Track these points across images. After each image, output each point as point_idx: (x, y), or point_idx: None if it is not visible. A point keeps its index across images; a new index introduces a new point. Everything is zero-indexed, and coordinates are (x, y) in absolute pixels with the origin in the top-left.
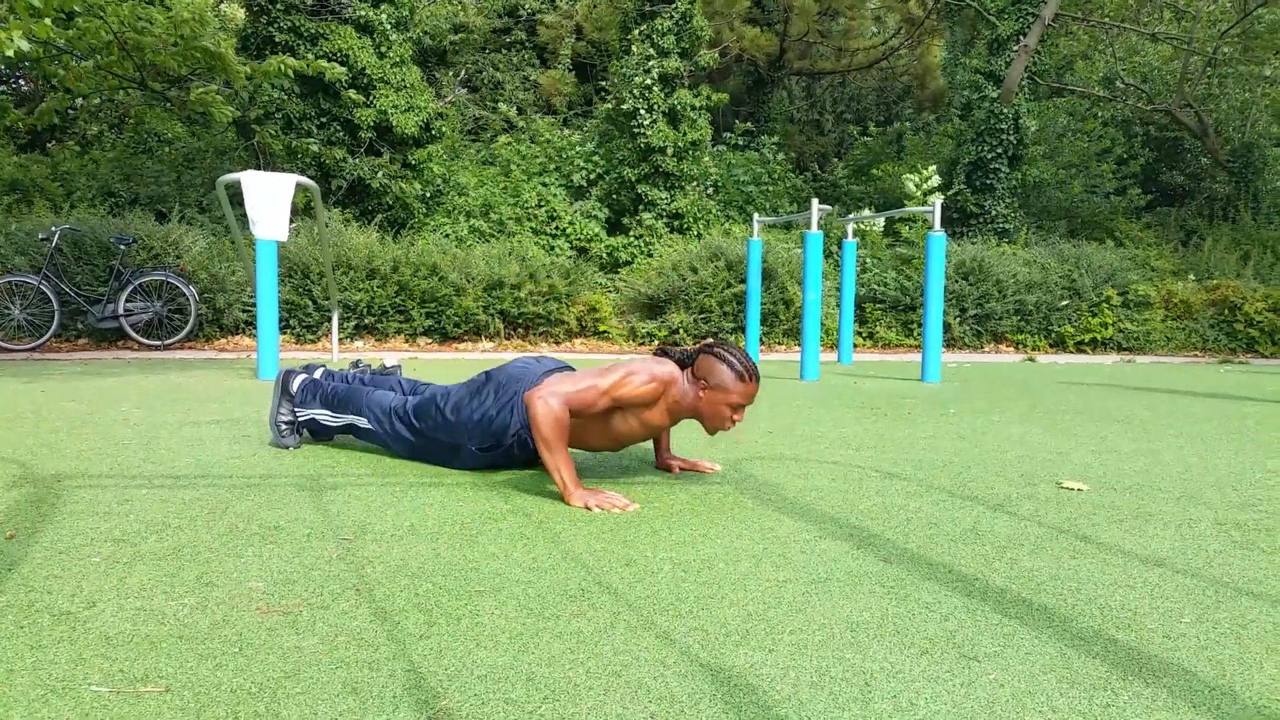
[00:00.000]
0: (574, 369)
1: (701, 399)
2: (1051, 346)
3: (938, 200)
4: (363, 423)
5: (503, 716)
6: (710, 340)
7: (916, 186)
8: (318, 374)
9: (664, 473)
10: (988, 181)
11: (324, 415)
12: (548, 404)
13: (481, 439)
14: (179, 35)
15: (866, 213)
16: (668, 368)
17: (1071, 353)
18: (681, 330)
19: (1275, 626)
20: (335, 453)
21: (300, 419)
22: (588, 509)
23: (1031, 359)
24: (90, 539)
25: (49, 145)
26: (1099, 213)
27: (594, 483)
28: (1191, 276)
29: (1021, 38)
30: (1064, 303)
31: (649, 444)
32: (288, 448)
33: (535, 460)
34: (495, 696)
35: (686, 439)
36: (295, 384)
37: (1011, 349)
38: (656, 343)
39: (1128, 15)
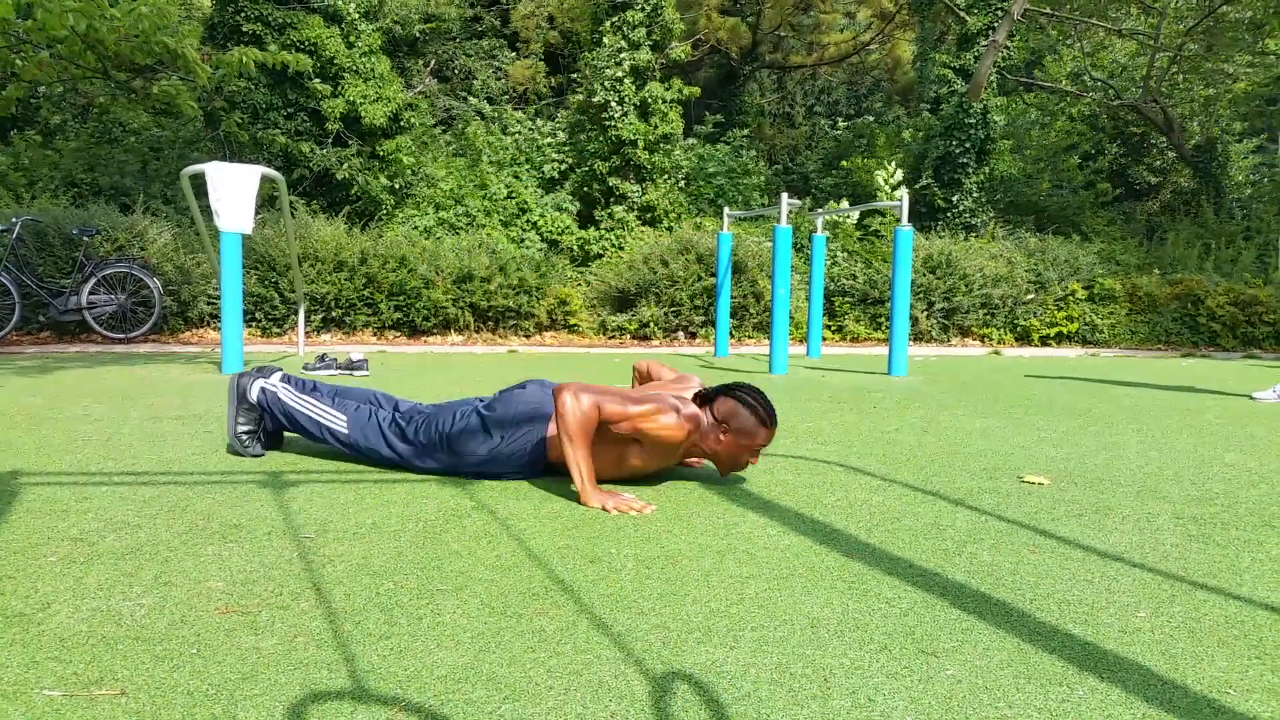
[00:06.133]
0: None
1: (722, 442)
2: (1017, 340)
3: (905, 195)
4: (336, 420)
5: (463, 717)
6: (730, 383)
7: (885, 180)
8: (275, 378)
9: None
10: (955, 176)
11: (297, 404)
12: (578, 399)
13: (488, 466)
14: (139, 28)
15: (835, 207)
16: (694, 409)
17: (1036, 346)
18: (652, 324)
19: (1227, 620)
20: (297, 450)
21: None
22: (605, 510)
23: (997, 353)
24: (47, 538)
25: (10, 134)
26: (1066, 207)
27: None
28: (1155, 271)
29: (990, 33)
30: (1030, 297)
31: None
32: (255, 457)
33: (537, 475)
34: (456, 697)
35: None
36: (254, 393)
37: (978, 343)
38: (676, 341)
39: (1095, 10)
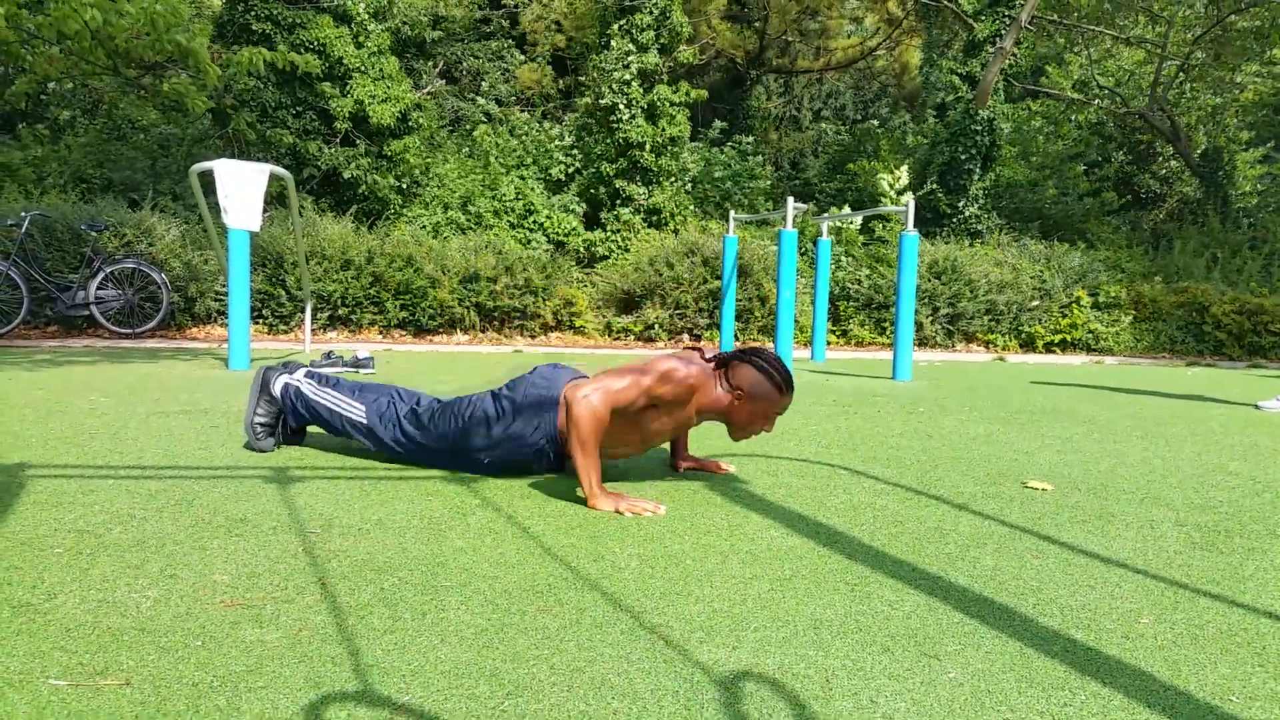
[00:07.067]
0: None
1: (736, 406)
2: (1021, 346)
3: (910, 200)
4: (355, 410)
5: (465, 713)
6: (747, 347)
7: (890, 186)
8: (300, 374)
9: (672, 472)
10: (961, 182)
11: (318, 395)
12: (590, 403)
13: (500, 453)
14: (152, 26)
15: (841, 211)
16: (697, 366)
17: (1041, 353)
18: (657, 325)
19: (1230, 627)
20: (304, 446)
21: (285, 400)
22: (618, 513)
23: (1001, 359)
24: (53, 529)
25: (19, 128)
26: (1072, 214)
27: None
28: (1159, 278)
29: (998, 40)
30: (1034, 303)
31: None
32: (263, 451)
33: (549, 470)
34: (458, 693)
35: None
36: (277, 387)
37: (982, 348)
38: (681, 342)
39: (1103, 18)
